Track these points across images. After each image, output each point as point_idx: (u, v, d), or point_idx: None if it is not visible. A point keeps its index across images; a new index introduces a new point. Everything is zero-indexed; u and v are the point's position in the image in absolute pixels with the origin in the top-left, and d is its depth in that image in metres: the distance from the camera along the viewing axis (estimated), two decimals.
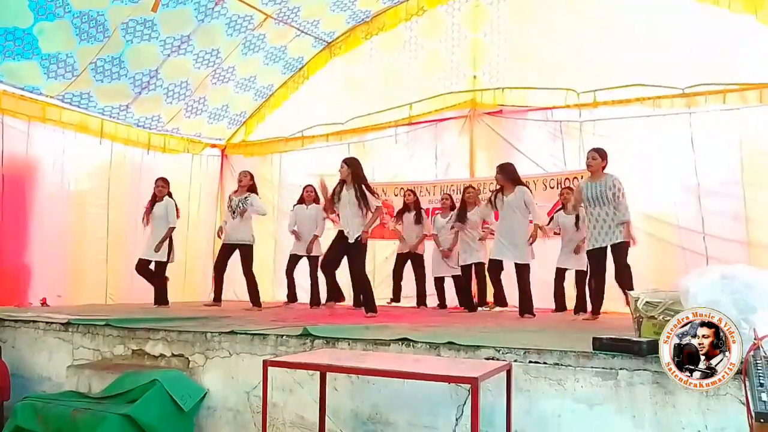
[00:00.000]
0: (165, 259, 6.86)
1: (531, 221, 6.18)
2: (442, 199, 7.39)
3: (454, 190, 7.87)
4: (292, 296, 7.54)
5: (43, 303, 6.87)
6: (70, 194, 7.74)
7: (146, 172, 8.51)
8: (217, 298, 6.81)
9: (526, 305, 5.93)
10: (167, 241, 6.84)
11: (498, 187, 6.27)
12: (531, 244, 6.15)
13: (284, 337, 3.60)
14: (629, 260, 5.43)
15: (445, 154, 8.29)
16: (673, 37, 6.77)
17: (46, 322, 4.61)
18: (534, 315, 5.89)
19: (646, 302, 3.06)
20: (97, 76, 7.19)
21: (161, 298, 6.82)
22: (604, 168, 5.54)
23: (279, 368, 3.13)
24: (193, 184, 9.23)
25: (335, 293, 6.52)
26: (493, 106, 7.85)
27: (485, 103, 7.88)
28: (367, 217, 5.86)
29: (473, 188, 7.10)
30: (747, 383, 2.26)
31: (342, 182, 5.94)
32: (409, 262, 7.48)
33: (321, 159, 8.92)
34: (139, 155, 8.44)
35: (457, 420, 2.96)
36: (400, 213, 7.61)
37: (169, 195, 6.98)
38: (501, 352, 2.99)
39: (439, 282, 7.32)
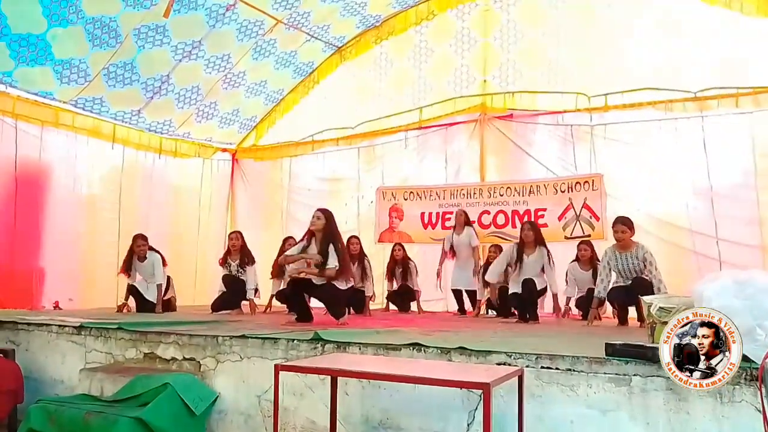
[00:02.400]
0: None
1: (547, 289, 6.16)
2: (457, 214, 7.28)
3: (464, 195, 7.88)
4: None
5: (56, 306, 6.94)
6: (83, 198, 7.81)
7: (158, 176, 8.62)
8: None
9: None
10: (165, 284, 6.70)
11: (519, 244, 6.21)
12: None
13: (295, 341, 3.60)
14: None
15: (455, 158, 8.27)
16: (685, 41, 6.75)
17: (59, 326, 4.64)
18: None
19: (660, 308, 3.04)
20: (109, 81, 7.26)
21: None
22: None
23: (290, 372, 3.13)
24: (203, 188, 9.31)
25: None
26: (503, 110, 7.83)
27: (495, 107, 7.87)
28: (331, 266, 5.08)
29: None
30: (763, 390, 2.24)
31: (311, 234, 5.32)
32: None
33: (331, 163, 8.99)
34: (151, 160, 8.52)
35: (468, 426, 2.95)
36: (391, 269, 7.60)
37: (151, 249, 6.62)
38: (513, 357, 2.97)
39: (458, 293, 7.29)
